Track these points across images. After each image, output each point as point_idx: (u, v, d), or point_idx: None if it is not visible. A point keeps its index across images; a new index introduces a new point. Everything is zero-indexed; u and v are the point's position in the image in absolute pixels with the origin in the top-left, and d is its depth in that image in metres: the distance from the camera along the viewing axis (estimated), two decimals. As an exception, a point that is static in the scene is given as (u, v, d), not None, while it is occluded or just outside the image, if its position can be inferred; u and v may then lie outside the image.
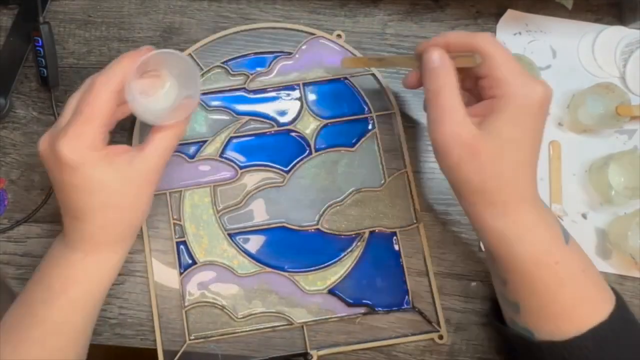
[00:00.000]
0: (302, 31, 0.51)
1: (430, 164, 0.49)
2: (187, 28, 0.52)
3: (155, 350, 0.46)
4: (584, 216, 0.48)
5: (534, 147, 0.37)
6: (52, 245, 0.41)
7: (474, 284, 0.47)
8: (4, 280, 0.48)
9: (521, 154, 0.37)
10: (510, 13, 0.51)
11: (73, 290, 0.38)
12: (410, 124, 0.50)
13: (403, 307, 0.47)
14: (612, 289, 0.39)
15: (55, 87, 0.50)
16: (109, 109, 0.37)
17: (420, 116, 0.50)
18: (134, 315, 0.47)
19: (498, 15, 0.51)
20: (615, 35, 0.51)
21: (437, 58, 0.37)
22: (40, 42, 0.49)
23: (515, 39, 0.51)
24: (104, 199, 0.37)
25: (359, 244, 0.48)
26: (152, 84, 0.39)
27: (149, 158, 0.38)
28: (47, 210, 0.49)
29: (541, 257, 0.37)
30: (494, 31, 0.51)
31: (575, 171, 0.49)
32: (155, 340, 0.46)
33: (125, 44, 0.52)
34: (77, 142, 0.36)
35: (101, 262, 0.39)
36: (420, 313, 0.47)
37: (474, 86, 0.40)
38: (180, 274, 0.47)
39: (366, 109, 0.50)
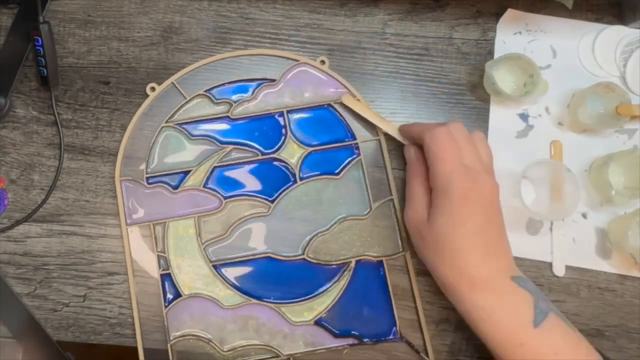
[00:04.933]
0: (286, 57, 0.50)
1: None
2: (187, 27, 0.52)
3: (156, 350, 0.46)
4: (584, 216, 0.48)
5: (470, 235, 0.39)
6: None
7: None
8: (4, 280, 0.48)
9: (458, 242, 0.39)
10: (510, 12, 0.51)
11: None
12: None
13: (390, 338, 0.46)
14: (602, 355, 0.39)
15: (55, 86, 0.50)
16: None
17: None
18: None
19: (498, 14, 0.51)
20: (615, 35, 0.51)
21: (412, 154, 0.45)
22: (40, 41, 0.49)
23: (516, 39, 0.51)
24: None
25: (345, 273, 0.47)
26: None
27: None
28: (47, 210, 0.49)
29: (504, 338, 0.38)
30: (494, 30, 0.51)
31: (575, 171, 0.49)
32: (156, 340, 0.46)
33: (126, 43, 0.52)
34: None
35: None
36: (408, 343, 0.46)
37: None
38: (165, 307, 0.46)
39: (350, 135, 0.49)
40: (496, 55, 0.51)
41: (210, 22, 0.52)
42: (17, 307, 0.47)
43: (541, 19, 0.51)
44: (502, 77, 0.49)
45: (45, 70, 0.49)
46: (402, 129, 0.46)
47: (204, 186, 0.48)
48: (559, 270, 0.47)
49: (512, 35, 0.51)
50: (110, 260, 0.48)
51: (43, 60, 0.49)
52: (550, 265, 0.48)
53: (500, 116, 0.50)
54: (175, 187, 0.48)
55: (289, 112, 0.49)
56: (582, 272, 0.47)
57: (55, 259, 0.48)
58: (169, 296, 0.47)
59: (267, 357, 0.46)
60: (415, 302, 0.47)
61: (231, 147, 0.49)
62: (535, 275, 0.47)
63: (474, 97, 0.50)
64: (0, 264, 0.48)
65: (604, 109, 0.48)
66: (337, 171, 0.48)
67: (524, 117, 0.50)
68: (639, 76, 0.50)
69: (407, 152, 0.45)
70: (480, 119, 0.50)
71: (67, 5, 0.52)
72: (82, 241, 0.48)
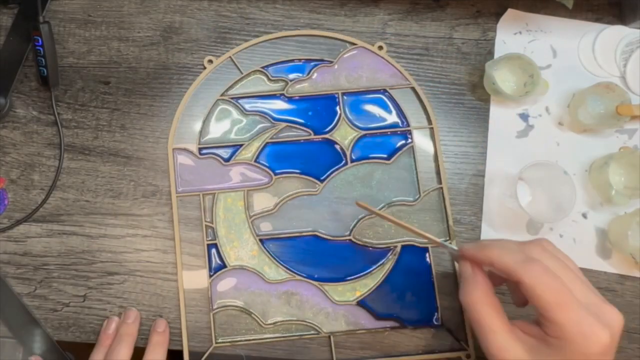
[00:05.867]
0: (343, 40, 0.51)
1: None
2: (187, 27, 0.52)
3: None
4: (584, 216, 0.48)
5: None
6: None
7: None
8: (4, 280, 0.48)
9: None
10: (510, 12, 0.51)
11: None
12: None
13: (432, 324, 0.46)
14: None
15: (55, 86, 0.50)
16: None
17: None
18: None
19: (498, 14, 0.51)
20: (615, 35, 0.51)
21: (475, 274, 0.36)
22: (40, 41, 0.49)
23: (516, 39, 0.51)
24: None
25: (390, 257, 0.47)
26: None
27: None
28: (47, 210, 0.49)
29: None
30: (494, 30, 0.51)
31: (575, 171, 0.49)
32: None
33: (126, 43, 0.52)
34: None
35: None
36: (449, 331, 0.46)
37: None
38: (210, 276, 0.47)
39: (405, 122, 0.49)
40: (496, 55, 0.51)
41: (210, 22, 0.52)
42: (17, 307, 0.47)
43: (541, 19, 0.51)
44: (502, 77, 0.49)
45: (45, 70, 0.49)
46: (467, 252, 0.37)
47: (256, 161, 0.49)
48: (559, 270, 0.47)
49: (512, 35, 0.51)
50: (110, 260, 0.48)
51: (43, 60, 0.49)
52: (550, 265, 0.48)
53: (501, 116, 0.50)
54: (227, 160, 0.49)
55: (344, 94, 0.50)
56: (582, 272, 0.47)
57: (55, 259, 0.48)
58: (214, 266, 0.47)
59: (308, 333, 0.46)
60: (457, 291, 0.47)
61: (284, 124, 0.49)
62: (535, 275, 0.47)
63: (474, 97, 0.50)
64: (0, 264, 0.48)
65: (604, 109, 0.48)
66: (388, 156, 0.49)
67: (524, 117, 0.50)
68: (639, 76, 0.50)
69: (464, 268, 0.37)
70: (480, 119, 0.50)
71: (67, 5, 0.52)
72: (82, 241, 0.48)
